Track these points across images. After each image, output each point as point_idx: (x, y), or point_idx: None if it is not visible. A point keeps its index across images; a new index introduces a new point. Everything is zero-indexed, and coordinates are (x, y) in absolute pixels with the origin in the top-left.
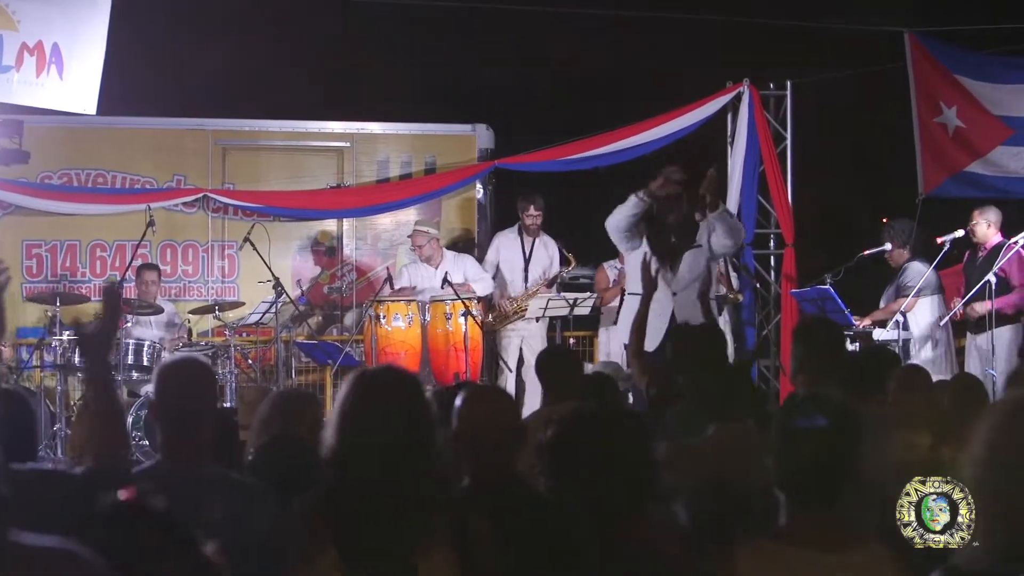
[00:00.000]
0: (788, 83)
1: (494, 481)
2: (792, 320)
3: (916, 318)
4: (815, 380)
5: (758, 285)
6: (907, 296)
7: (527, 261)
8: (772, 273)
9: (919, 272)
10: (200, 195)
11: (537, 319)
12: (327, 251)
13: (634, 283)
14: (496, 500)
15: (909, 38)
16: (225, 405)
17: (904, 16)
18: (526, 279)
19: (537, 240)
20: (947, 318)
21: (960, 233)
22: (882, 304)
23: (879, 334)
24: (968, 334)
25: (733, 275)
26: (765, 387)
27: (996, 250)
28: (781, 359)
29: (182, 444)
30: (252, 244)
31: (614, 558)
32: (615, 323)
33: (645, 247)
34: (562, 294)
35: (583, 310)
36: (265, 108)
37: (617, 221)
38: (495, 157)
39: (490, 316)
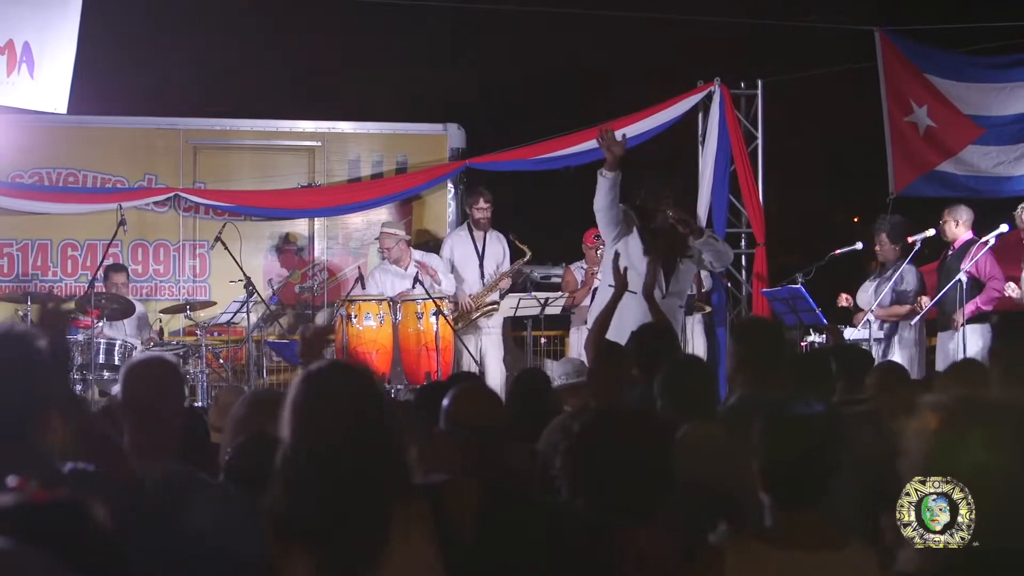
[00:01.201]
0: (759, 82)
1: (482, 478)
2: None
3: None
4: (755, 380)
5: (729, 285)
6: (909, 304)
7: (481, 257)
8: (743, 272)
9: (918, 278)
10: (171, 194)
11: (505, 316)
12: (298, 250)
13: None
14: (484, 496)
15: (880, 37)
16: (196, 404)
17: (875, 15)
18: (482, 275)
19: (488, 235)
20: (918, 318)
21: (931, 232)
22: (867, 300)
23: (850, 332)
24: (939, 334)
25: (704, 274)
26: None
27: (965, 248)
28: None
29: (149, 444)
30: (223, 243)
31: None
32: (586, 323)
33: (630, 244)
34: (533, 293)
35: (554, 309)
36: (236, 107)
37: (600, 203)
38: (466, 157)
39: (452, 316)
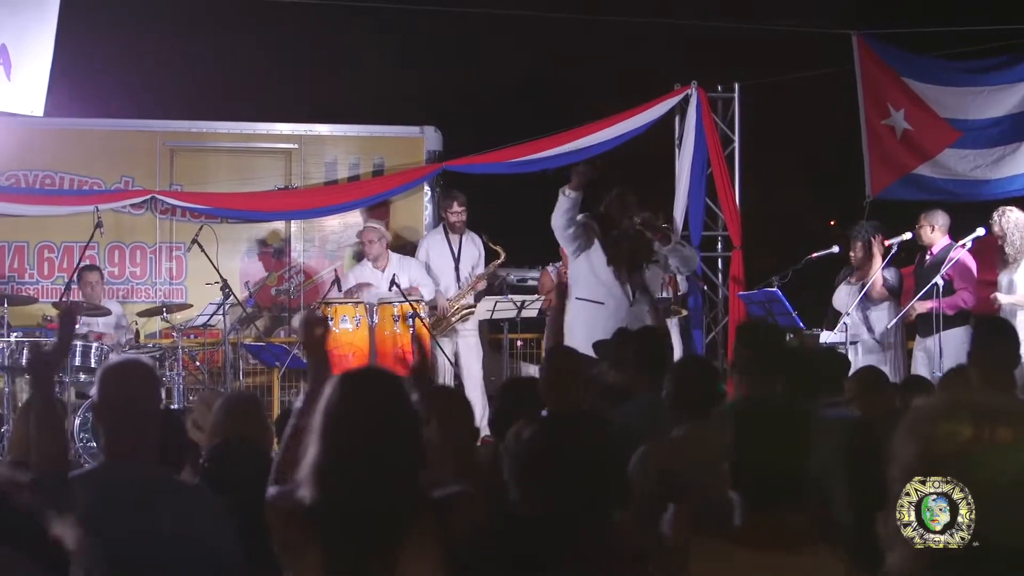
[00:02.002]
0: (736, 85)
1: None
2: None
3: (870, 320)
4: (757, 382)
5: (705, 288)
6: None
7: (457, 260)
8: (720, 276)
9: (898, 277)
10: (148, 197)
11: (481, 320)
12: (275, 253)
13: (580, 288)
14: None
15: (857, 41)
16: (172, 407)
17: (852, 19)
18: (458, 278)
19: (464, 237)
20: (895, 320)
21: (907, 236)
22: (842, 303)
23: (826, 336)
24: (917, 336)
25: (680, 278)
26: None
27: (944, 254)
28: (729, 361)
29: (125, 446)
30: (200, 246)
31: (576, 563)
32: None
33: (593, 256)
34: (509, 296)
35: (530, 312)
36: (213, 110)
37: (557, 222)
38: (443, 159)
39: (430, 319)
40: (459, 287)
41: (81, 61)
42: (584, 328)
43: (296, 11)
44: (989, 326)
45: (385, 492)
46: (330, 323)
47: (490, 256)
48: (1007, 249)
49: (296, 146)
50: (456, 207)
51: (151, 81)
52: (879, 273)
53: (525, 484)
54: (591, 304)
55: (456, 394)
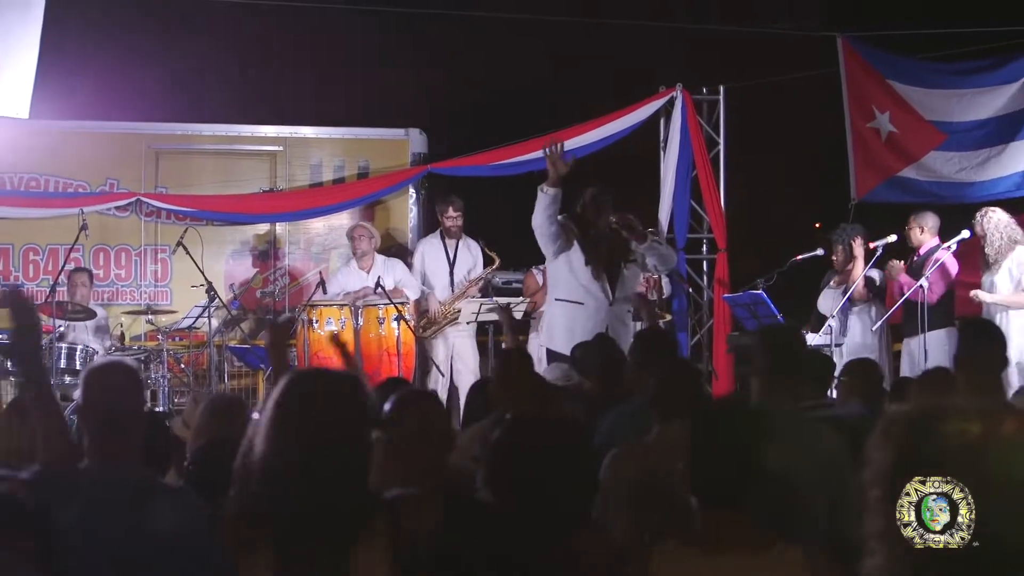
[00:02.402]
0: (721, 88)
1: (424, 485)
2: (724, 325)
3: (853, 324)
4: (772, 385)
5: (690, 290)
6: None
7: (452, 265)
8: (705, 278)
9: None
10: (133, 199)
11: (468, 323)
12: (260, 255)
13: (560, 289)
14: (426, 504)
15: (842, 43)
16: (157, 410)
17: (837, 21)
18: (452, 283)
19: (460, 242)
20: (880, 323)
21: (893, 238)
22: (828, 307)
23: (811, 338)
24: (904, 339)
25: (665, 280)
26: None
27: (929, 255)
28: (714, 364)
29: (109, 449)
30: (185, 248)
31: (549, 566)
32: (540, 331)
33: (572, 258)
34: (494, 298)
35: (515, 314)
36: (198, 112)
37: (539, 220)
38: (428, 161)
39: (421, 322)
40: (452, 292)
41: (66, 63)
42: (564, 329)
43: (281, 13)
44: (975, 329)
45: (330, 492)
46: (315, 327)
47: (487, 262)
48: (987, 250)
49: (281, 148)
50: (452, 211)
51: (136, 84)
52: (862, 276)
53: (495, 485)
54: (571, 305)
55: (430, 397)
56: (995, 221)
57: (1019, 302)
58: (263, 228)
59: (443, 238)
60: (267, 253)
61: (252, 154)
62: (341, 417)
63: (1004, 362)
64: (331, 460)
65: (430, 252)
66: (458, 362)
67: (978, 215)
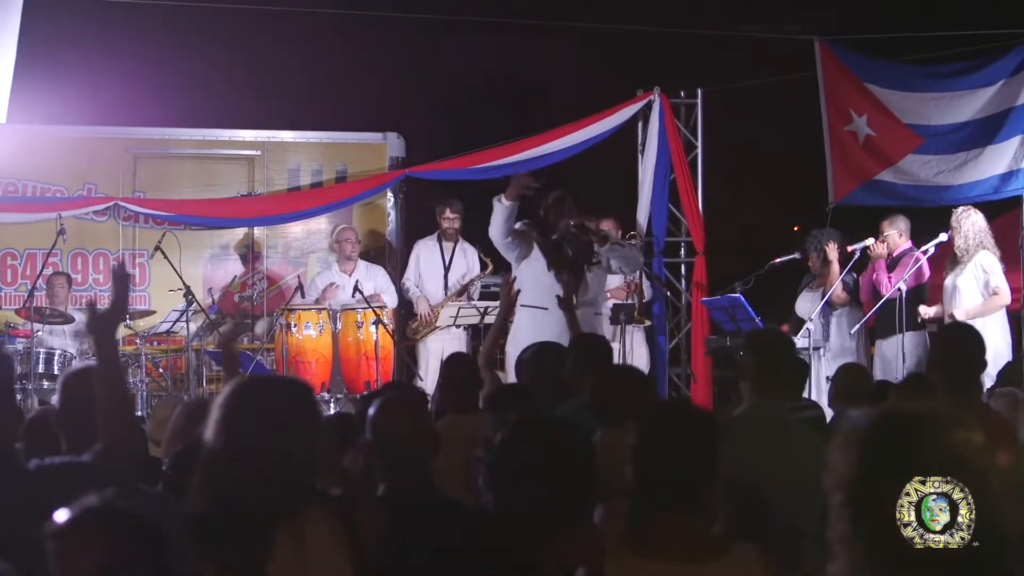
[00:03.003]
0: (699, 91)
1: (409, 488)
2: (703, 329)
3: (832, 326)
4: (760, 388)
5: (668, 294)
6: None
7: (447, 268)
8: (683, 281)
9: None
10: (111, 203)
11: (446, 326)
12: (241, 258)
13: (525, 295)
14: (411, 506)
15: (819, 46)
16: (136, 415)
17: (815, 24)
18: (446, 286)
19: (457, 246)
20: (859, 326)
21: (870, 242)
22: (806, 310)
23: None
24: (877, 342)
25: (646, 284)
26: (676, 395)
27: (902, 256)
28: (692, 367)
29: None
30: (163, 252)
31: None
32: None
33: (534, 263)
34: (473, 302)
35: (494, 318)
36: (176, 116)
37: (495, 231)
38: (406, 165)
39: (412, 325)
40: (445, 295)
41: (43, 67)
42: (530, 335)
43: (259, 18)
44: (953, 332)
45: (265, 479)
46: (294, 331)
47: (483, 269)
48: (958, 243)
49: (259, 153)
50: (450, 213)
51: (114, 88)
52: (839, 279)
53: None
54: (535, 310)
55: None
56: (973, 220)
57: (989, 309)
58: (241, 232)
59: (440, 240)
60: (245, 257)
61: (230, 158)
62: (280, 416)
63: (982, 365)
64: (270, 451)
65: (425, 253)
66: None
67: (958, 210)
